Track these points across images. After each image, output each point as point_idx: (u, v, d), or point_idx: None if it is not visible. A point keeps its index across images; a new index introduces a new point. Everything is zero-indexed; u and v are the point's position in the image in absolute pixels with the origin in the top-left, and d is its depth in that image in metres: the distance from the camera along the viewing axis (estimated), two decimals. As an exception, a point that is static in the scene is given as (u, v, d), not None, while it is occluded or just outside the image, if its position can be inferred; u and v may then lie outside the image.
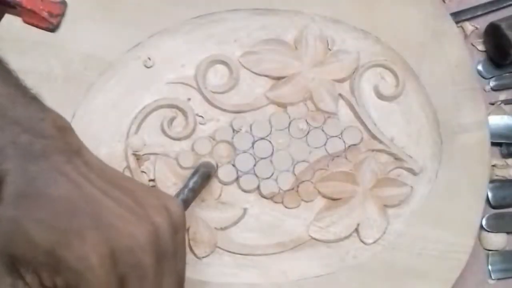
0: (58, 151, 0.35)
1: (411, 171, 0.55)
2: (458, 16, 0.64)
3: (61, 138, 0.36)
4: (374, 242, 0.53)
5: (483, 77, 0.63)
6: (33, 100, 0.37)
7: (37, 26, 0.55)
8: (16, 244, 0.33)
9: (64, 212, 0.33)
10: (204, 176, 0.51)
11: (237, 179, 0.53)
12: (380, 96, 0.57)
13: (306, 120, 0.55)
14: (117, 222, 0.34)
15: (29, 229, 0.32)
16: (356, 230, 0.53)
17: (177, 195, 0.47)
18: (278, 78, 0.56)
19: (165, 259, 0.36)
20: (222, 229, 0.52)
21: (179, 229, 0.37)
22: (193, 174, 0.50)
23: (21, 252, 0.33)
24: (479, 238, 0.58)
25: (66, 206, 0.33)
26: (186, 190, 0.48)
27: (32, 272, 0.33)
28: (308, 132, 0.55)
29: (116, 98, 0.54)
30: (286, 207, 0.53)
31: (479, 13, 0.64)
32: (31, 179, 0.33)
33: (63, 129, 0.37)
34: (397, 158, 0.55)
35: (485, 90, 0.62)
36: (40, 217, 0.33)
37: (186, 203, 0.47)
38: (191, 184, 0.49)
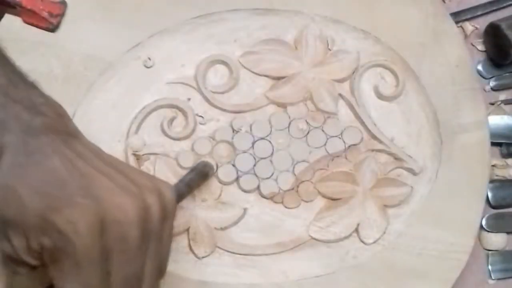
0: (56, 131, 0.36)
1: (411, 171, 0.55)
2: (458, 16, 0.64)
3: (60, 121, 0.37)
4: (374, 242, 0.53)
5: (483, 77, 0.63)
6: (33, 86, 0.38)
7: (37, 26, 0.55)
8: (8, 207, 0.33)
9: (56, 181, 0.34)
10: (201, 174, 0.51)
11: (237, 179, 0.53)
12: (380, 96, 0.57)
13: (306, 120, 0.55)
14: (108, 195, 0.34)
15: (21, 194, 0.33)
16: (356, 230, 0.53)
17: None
18: (278, 78, 0.56)
19: (151, 240, 0.36)
20: (222, 229, 0.52)
21: (168, 216, 0.38)
22: (191, 171, 0.50)
23: (12, 215, 0.33)
24: (479, 238, 0.58)
25: (59, 176, 0.34)
26: (181, 184, 0.48)
27: (20, 235, 0.34)
28: (308, 132, 0.55)
29: (116, 98, 0.54)
30: (286, 207, 0.53)
31: (479, 13, 0.64)
32: (30, 152, 0.34)
33: (62, 115, 0.38)
34: (397, 158, 0.55)
35: (485, 90, 0.62)
36: (33, 184, 0.33)
37: (180, 197, 0.47)
38: (187, 179, 0.49)
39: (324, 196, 0.54)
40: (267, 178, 0.54)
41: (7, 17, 0.55)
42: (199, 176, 0.50)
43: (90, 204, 0.33)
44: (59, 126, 0.37)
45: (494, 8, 0.64)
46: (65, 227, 0.33)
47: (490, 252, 0.58)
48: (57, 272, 0.33)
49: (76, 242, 0.33)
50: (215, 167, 0.53)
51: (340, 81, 0.57)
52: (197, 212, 0.52)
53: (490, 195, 0.58)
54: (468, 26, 0.64)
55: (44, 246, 0.33)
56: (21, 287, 0.36)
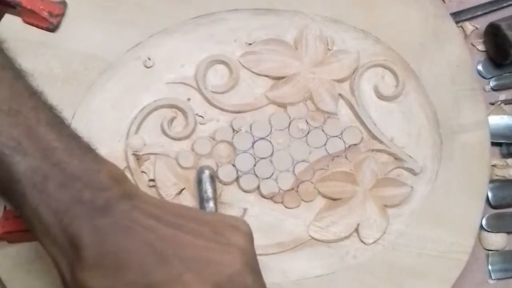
0: (120, 201, 0.35)
1: (411, 171, 0.55)
2: (458, 16, 0.64)
3: (119, 186, 0.36)
4: (374, 242, 0.53)
5: (483, 77, 0.63)
6: (88, 150, 0.37)
7: (37, 26, 0.54)
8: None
9: (151, 264, 0.33)
10: (211, 180, 0.50)
11: (237, 179, 0.53)
12: (380, 96, 0.57)
13: (306, 120, 0.55)
14: (206, 255, 0.34)
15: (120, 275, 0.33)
16: (356, 230, 0.53)
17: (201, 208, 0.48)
18: (278, 78, 0.56)
19: (260, 275, 0.37)
20: (222, 229, 0.52)
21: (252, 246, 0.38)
22: (201, 183, 0.50)
23: None
24: (479, 238, 0.58)
25: (150, 256, 0.33)
26: (210, 202, 0.49)
27: None
28: (308, 132, 0.55)
29: (116, 98, 0.54)
30: (286, 207, 0.53)
31: (479, 13, 0.64)
32: (104, 236, 0.33)
33: (119, 178, 0.37)
34: (397, 158, 0.56)
35: (485, 90, 0.62)
36: (130, 279, 0.33)
37: None
38: (209, 193, 0.49)
39: (324, 196, 0.54)
40: (267, 178, 0.54)
41: (7, 17, 0.55)
42: (211, 183, 0.50)
43: (198, 275, 0.33)
44: (119, 193, 0.36)
45: (494, 8, 0.64)
46: None
47: (490, 252, 0.58)
48: None
49: None
50: (215, 167, 0.53)
51: (340, 81, 0.57)
52: (197, 212, 0.52)
53: (490, 195, 0.58)
54: (468, 26, 0.64)
55: None
56: None
